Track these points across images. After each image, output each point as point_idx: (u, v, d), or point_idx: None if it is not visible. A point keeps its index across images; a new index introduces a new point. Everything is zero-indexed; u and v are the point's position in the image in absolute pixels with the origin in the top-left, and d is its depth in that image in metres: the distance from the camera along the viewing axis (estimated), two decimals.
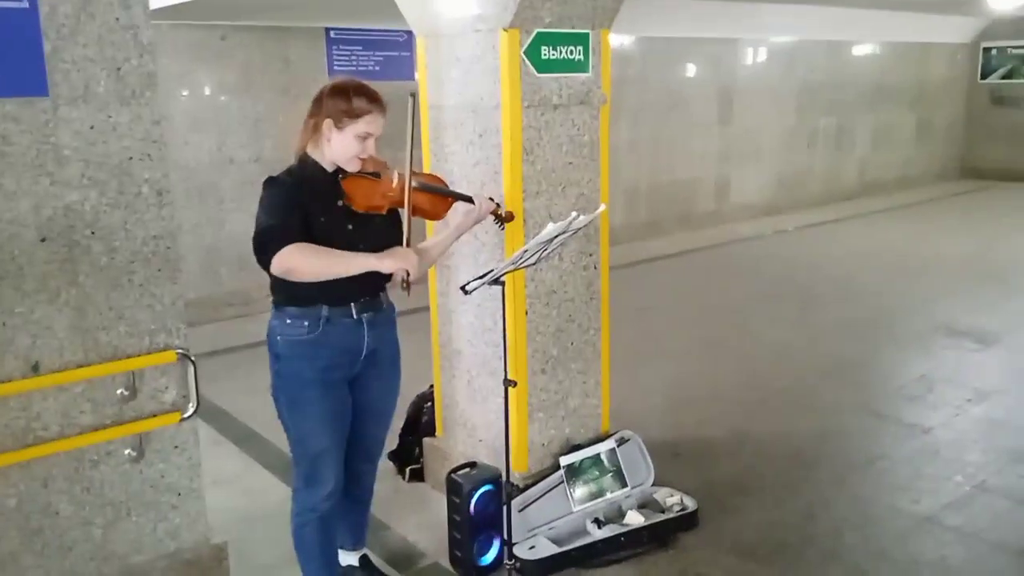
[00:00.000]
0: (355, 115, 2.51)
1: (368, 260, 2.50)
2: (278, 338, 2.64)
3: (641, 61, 9.24)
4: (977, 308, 6.53)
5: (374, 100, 2.55)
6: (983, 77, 13.55)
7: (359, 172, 2.59)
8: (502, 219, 3.01)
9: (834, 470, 3.96)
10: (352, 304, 2.64)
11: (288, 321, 2.60)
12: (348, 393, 2.74)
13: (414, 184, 2.62)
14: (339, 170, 2.59)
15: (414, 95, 2.55)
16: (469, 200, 2.87)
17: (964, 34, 13.23)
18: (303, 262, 2.42)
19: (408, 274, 2.51)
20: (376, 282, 2.69)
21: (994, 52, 13.36)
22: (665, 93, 9.54)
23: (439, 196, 2.78)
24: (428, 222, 3.13)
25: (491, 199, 2.93)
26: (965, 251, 8.66)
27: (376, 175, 2.61)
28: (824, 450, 4.17)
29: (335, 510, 2.81)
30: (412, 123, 2.52)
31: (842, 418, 4.56)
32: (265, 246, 2.42)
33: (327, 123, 2.53)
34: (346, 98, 2.52)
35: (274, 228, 2.43)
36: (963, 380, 5.03)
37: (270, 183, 2.53)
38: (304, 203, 2.50)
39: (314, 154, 2.60)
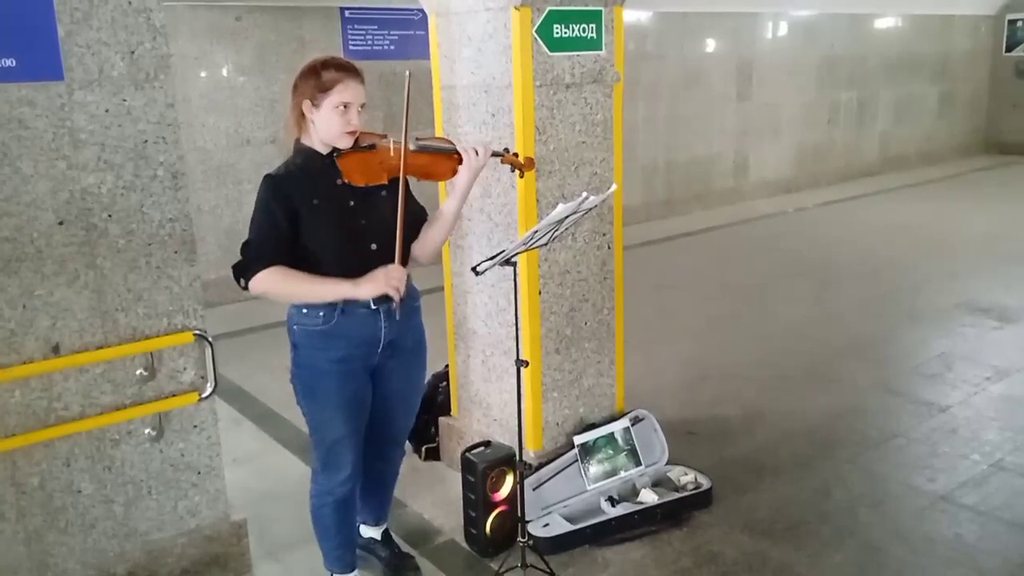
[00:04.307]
0: (326, 88, 2.47)
1: (343, 287, 2.50)
2: (295, 327, 2.63)
3: (658, 37, 9.15)
4: (999, 285, 6.46)
5: (343, 68, 2.50)
6: (1008, 50, 13.30)
7: (354, 147, 2.55)
8: (521, 167, 2.90)
9: (850, 448, 3.95)
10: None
11: (304, 311, 2.59)
12: (368, 382, 2.71)
13: (412, 147, 2.58)
14: (335, 150, 2.56)
15: (410, 73, 2.49)
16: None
17: (989, 6, 12.98)
18: (275, 289, 2.51)
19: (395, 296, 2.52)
20: None
21: (1019, 24, 13.09)
22: (683, 69, 9.45)
23: (442, 155, 2.70)
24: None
25: (500, 152, 2.82)
26: (987, 227, 8.54)
27: (372, 147, 2.58)
28: (840, 428, 4.16)
29: (354, 492, 2.82)
30: (407, 96, 2.46)
31: (859, 396, 4.54)
32: (241, 269, 2.51)
33: (305, 105, 2.50)
34: (315, 74, 2.49)
35: (251, 247, 2.52)
36: (983, 358, 4.99)
37: (263, 181, 2.52)
38: (289, 196, 2.49)
39: (306, 140, 2.58)
